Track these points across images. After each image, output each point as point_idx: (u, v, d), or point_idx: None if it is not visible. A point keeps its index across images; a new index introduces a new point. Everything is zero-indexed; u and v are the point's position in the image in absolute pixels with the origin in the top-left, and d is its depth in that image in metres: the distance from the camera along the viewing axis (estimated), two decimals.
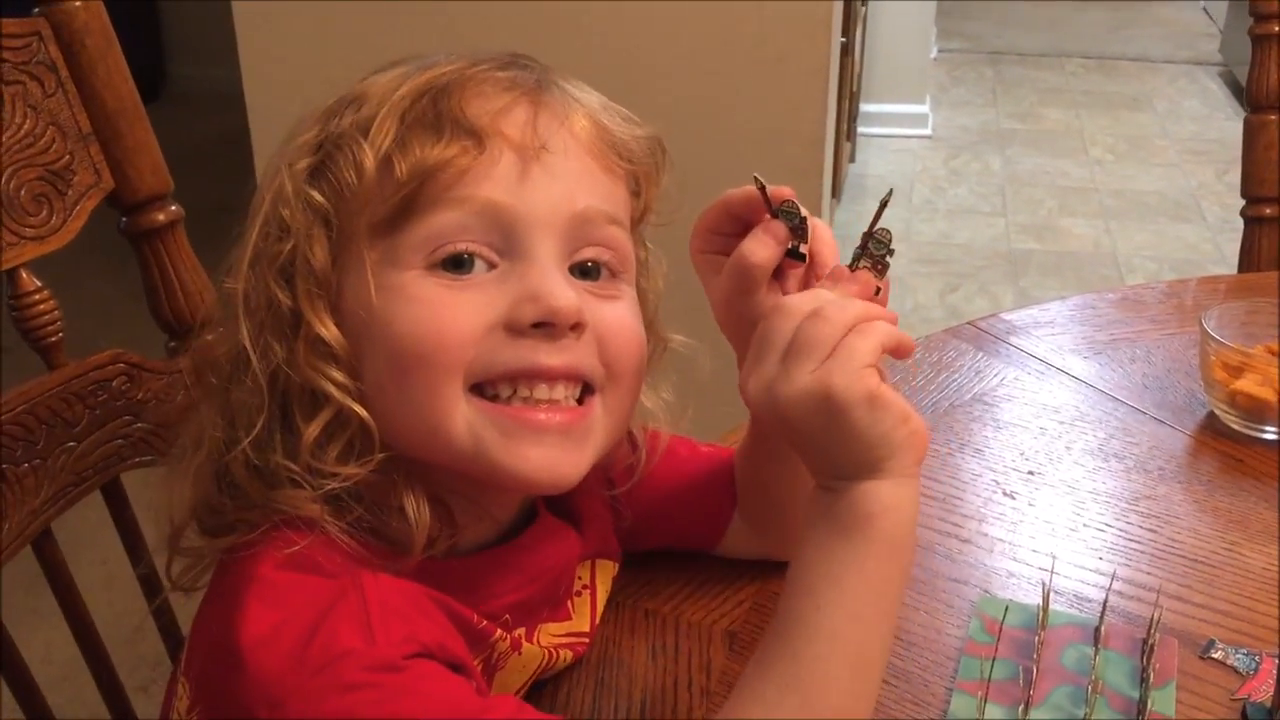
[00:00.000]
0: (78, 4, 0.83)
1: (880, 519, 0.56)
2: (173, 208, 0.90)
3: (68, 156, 0.84)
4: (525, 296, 0.59)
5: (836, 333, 0.56)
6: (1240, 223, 1.48)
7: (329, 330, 0.59)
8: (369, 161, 0.59)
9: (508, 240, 0.60)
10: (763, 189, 0.63)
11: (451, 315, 0.58)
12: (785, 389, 0.56)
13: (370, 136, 0.59)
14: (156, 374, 0.89)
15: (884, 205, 0.61)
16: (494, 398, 0.59)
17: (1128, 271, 3.15)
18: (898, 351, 0.58)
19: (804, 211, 0.62)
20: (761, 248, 0.63)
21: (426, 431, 0.59)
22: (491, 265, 0.60)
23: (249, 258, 0.60)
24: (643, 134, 0.65)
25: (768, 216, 0.63)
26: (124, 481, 0.89)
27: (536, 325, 0.59)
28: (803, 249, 0.63)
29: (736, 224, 0.65)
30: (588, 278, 0.62)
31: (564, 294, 0.59)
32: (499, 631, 0.63)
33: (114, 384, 0.86)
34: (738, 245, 0.64)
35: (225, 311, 0.62)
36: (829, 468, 0.57)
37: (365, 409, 0.59)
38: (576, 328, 0.60)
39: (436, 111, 0.60)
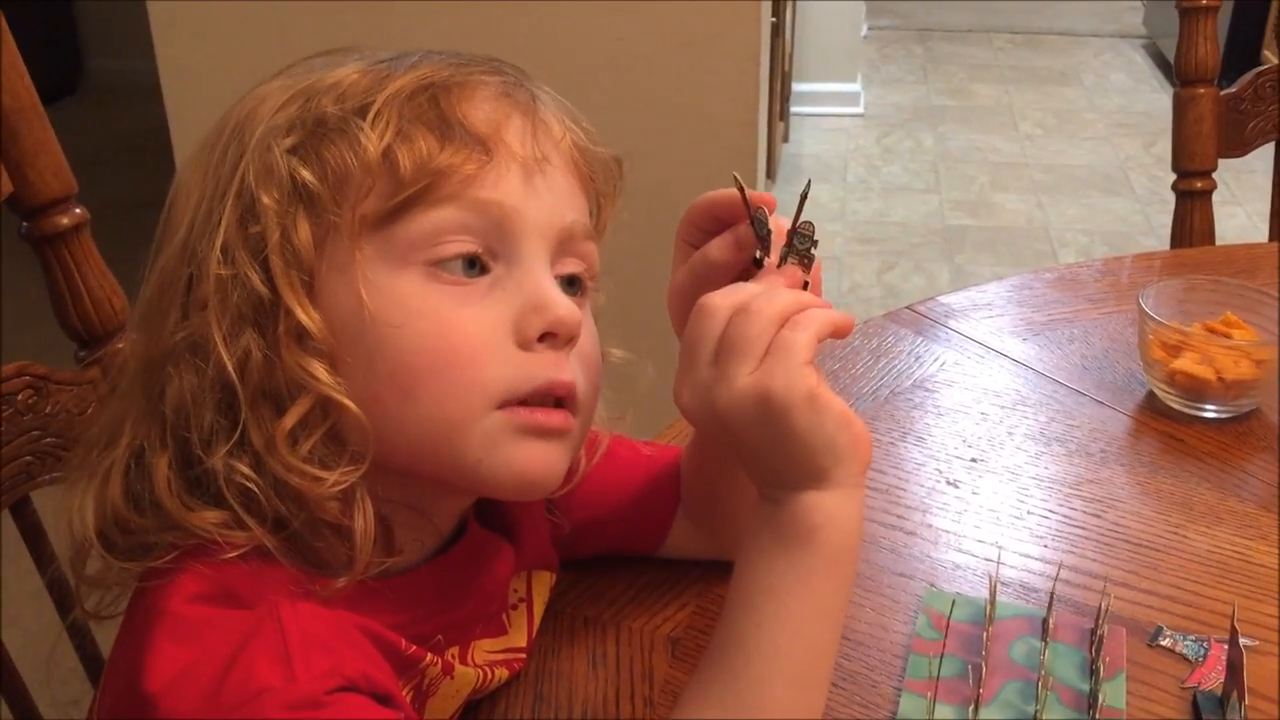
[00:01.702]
0: None
1: (823, 531, 0.54)
2: (77, 210, 0.86)
3: None
4: (530, 308, 0.58)
5: (767, 327, 0.54)
6: (1169, 194, 1.48)
7: (312, 320, 0.56)
8: (373, 148, 0.56)
9: (504, 243, 0.58)
10: (742, 191, 0.60)
11: (462, 331, 0.57)
12: (722, 392, 0.54)
13: (369, 124, 0.56)
14: (65, 385, 0.85)
15: (804, 198, 0.59)
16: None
17: (1060, 245, 3.18)
18: (837, 332, 0.56)
19: (771, 226, 0.60)
20: (724, 250, 0.61)
21: (432, 442, 0.57)
22: (485, 268, 0.58)
23: (220, 242, 0.56)
24: (606, 154, 0.65)
25: (748, 220, 0.61)
26: (35, 499, 0.85)
27: (541, 337, 0.58)
28: (766, 260, 0.60)
29: (717, 224, 0.63)
30: (569, 289, 0.61)
31: (566, 304, 0.58)
32: (429, 656, 0.60)
33: (19, 398, 0.81)
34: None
35: (162, 303, 0.58)
36: (771, 475, 0.55)
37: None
38: (573, 340, 0.59)
39: (439, 112, 0.58)
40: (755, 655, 0.53)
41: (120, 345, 0.87)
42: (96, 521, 0.58)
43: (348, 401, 0.55)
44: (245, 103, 0.61)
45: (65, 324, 0.87)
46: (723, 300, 0.56)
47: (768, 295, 0.55)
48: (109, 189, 0.89)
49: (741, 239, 0.60)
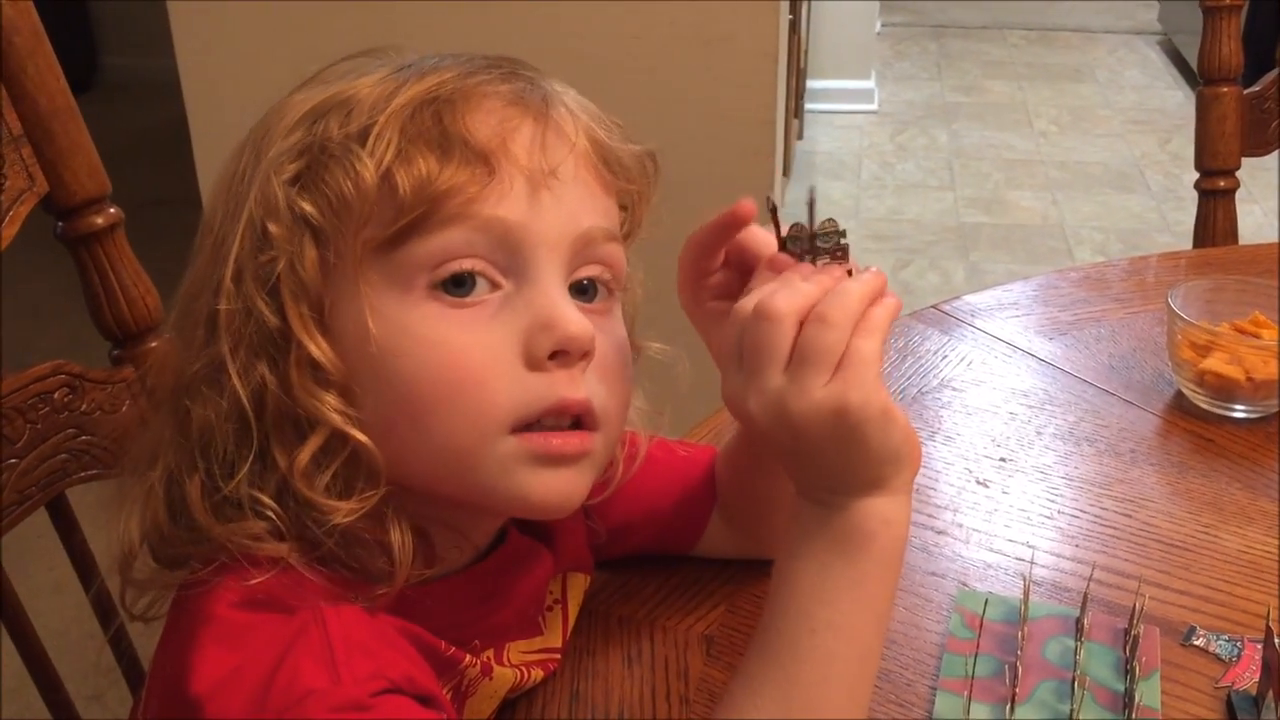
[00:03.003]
0: (2, 0, 0.79)
1: (880, 537, 0.54)
2: (111, 210, 0.86)
3: None
4: (538, 326, 0.56)
5: (843, 337, 0.53)
6: (1185, 191, 1.48)
7: (323, 352, 0.55)
8: (369, 175, 0.55)
9: (513, 260, 0.57)
10: (774, 211, 0.59)
11: (467, 355, 0.56)
12: (796, 403, 0.52)
13: (369, 148, 0.55)
14: (100, 384, 0.85)
15: (811, 205, 0.58)
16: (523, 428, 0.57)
17: (1075, 243, 3.17)
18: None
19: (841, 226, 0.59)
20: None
21: (447, 468, 0.56)
22: (495, 285, 0.57)
23: (231, 272, 0.56)
24: (637, 150, 0.63)
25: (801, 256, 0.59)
26: (70, 496, 0.85)
27: (551, 355, 0.56)
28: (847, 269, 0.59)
29: (724, 233, 0.61)
30: (584, 296, 0.60)
31: (577, 320, 0.57)
32: (469, 658, 0.60)
33: (55, 396, 0.82)
34: (737, 282, 0.60)
35: (187, 325, 0.58)
36: (828, 481, 0.55)
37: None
38: (586, 356, 0.58)
39: (441, 128, 0.56)
40: (810, 660, 0.53)
41: (154, 345, 0.88)
42: (141, 532, 0.58)
43: (358, 434, 0.55)
44: (267, 118, 0.60)
45: (100, 323, 0.88)
46: (787, 305, 0.53)
47: (839, 298, 0.53)
48: (124, 186, 0.89)
49: (776, 265, 0.58)
